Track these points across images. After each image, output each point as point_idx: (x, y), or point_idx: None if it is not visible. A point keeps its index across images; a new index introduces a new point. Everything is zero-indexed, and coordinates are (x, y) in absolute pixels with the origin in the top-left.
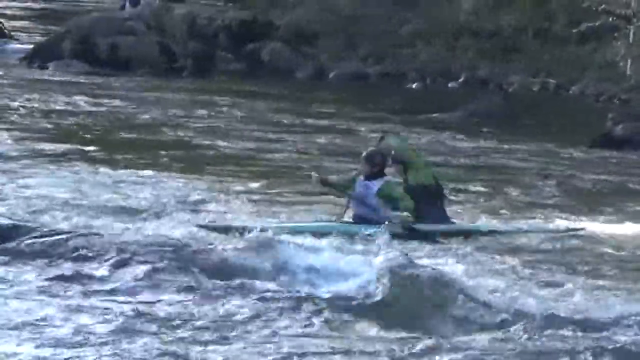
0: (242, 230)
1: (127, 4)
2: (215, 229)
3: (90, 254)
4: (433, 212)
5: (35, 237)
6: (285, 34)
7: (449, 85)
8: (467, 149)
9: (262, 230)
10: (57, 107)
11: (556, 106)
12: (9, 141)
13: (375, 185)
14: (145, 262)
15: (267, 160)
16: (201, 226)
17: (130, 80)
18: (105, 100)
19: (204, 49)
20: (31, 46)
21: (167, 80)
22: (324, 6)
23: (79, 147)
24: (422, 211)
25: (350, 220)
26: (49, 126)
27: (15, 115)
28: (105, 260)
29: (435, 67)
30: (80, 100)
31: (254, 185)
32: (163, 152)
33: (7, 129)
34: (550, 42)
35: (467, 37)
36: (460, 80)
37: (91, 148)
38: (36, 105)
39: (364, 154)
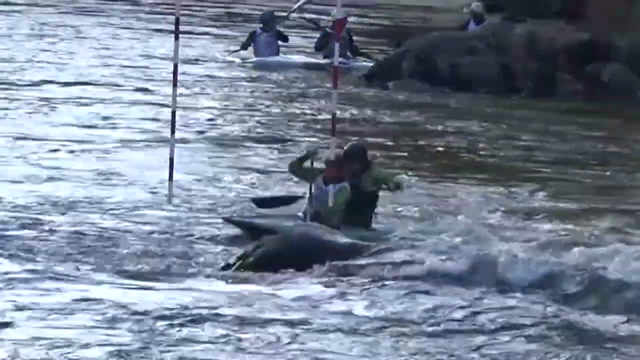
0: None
1: (472, 23)
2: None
3: None
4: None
5: None
6: (625, 55)
7: None
8: None
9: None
10: (404, 125)
11: None
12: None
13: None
14: None
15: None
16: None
17: (470, 99)
18: (448, 120)
19: (543, 69)
20: (371, 64)
21: (506, 100)
22: None
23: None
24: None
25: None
26: (395, 145)
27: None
28: None
29: None
30: (427, 119)
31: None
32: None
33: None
34: None
35: None
36: None
37: (435, 168)
38: (388, 124)
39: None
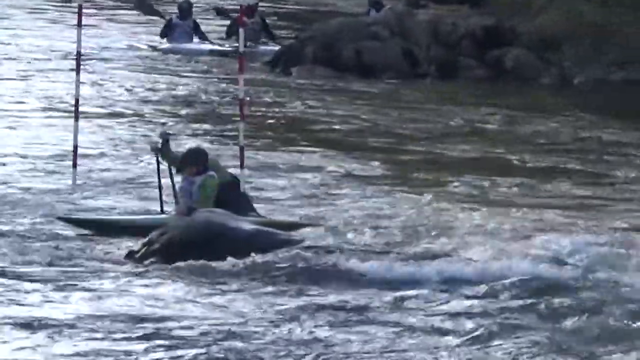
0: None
1: (372, 10)
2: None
3: None
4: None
5: None
6: (528, 41)
7: None
8: None
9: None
10: (307, 113)
11: None
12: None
13: (198, 180)
14: None
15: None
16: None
17: (374, 85)
18: (348, 106)
19: (447, 55)
20: (277, 48)
21: (410, 85)
22: (567, 12)
23: (332, 152)
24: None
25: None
26: (293, 134)
27: (267, 122)
28: None
29: None
30: (326, 105)
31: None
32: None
33: (262, 135)
34: None
35: None
36: None
37: (343, 156)
38: (280, 109)
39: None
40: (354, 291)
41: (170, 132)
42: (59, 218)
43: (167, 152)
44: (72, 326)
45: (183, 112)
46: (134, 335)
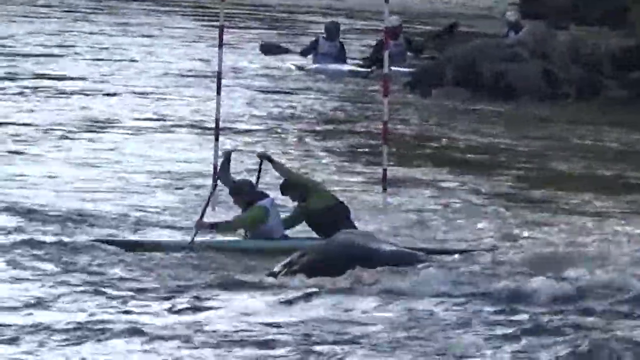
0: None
1: (511, 32)
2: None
3: None
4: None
5: None
6: None
7: None
8: None
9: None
10: (446, 133)
11: None
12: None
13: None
14: None
15: None
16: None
17: (513, 106)
18: (488, 127)
19: (587, 76)
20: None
21: (550, 106)
22: None
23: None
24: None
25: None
26: (433, 154)
27: (408, 143)
28: None
29: None
30: (465, 126)
31: None
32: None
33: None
34: None
35: None
36: None
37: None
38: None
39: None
40: (486, 306)
41: (233, 150)
42: (96, 240)
43: (226, 169)
44: (225, 339)
45: (322, 132)
46: (274, 344)
